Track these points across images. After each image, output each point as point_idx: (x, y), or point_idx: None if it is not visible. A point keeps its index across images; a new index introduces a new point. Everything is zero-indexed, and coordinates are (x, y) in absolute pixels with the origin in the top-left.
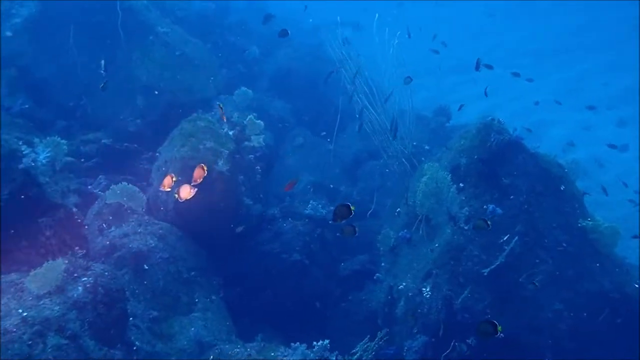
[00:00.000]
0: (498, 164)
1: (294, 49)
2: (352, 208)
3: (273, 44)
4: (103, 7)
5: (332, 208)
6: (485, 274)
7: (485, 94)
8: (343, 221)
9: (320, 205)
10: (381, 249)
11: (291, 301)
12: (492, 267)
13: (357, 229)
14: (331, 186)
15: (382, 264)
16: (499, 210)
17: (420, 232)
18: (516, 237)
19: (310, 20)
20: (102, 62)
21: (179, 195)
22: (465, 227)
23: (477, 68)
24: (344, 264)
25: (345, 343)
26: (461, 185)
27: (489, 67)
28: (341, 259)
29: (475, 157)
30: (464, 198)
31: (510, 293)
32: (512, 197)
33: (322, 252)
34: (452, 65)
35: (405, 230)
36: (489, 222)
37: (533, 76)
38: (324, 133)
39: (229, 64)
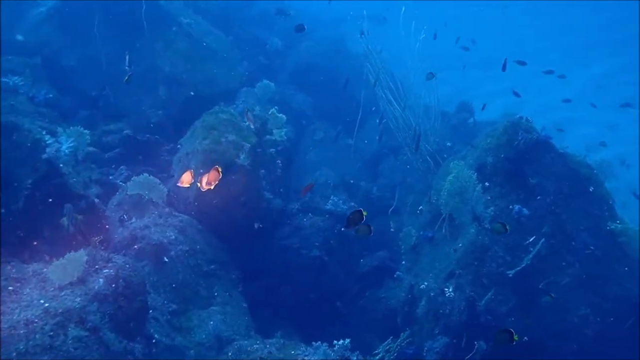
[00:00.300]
0: (525, 164)
1: (316, 42)
2: (364, 213)
3: (295, 37)
4: None
5: (352, 204)
6: (510, 275)
7: (515, 94)
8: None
9: (341, 201)
10: (402, 247)
11: (309, 297)
12: (518, 269)
13: (372, 228)
14: (351, 181)
15: (403, 262)
16: (525, 211)
17: (443, 231)
18: (542, 239)
19: (332, 13)
20: (127, 56)
21: (200, 184)
22: (490, 227)
23: (504, 69)
24: (363, 260)
25: (364, 340)
26: (487, 184)
27: (522, 63)
28: (360, 255)
29: (502, 155)
30: (489, 197)
31: (536, 296)
32: (539, 197)
33: (342, 248)
34: (475, 60)
35: (427, 229)
36: (507, 227)
37: (559, 72)
38: (340, 127)
39: (251, 56)
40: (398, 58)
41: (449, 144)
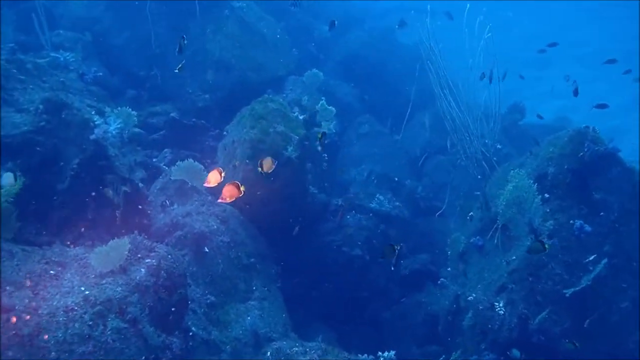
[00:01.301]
0: (590, 177)
1: (366, 32)
2: (396, 248)
3: (344, 26)
4: None
5: (397, 203)
6: (568, 295)
7: (575, 93)
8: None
9: (386, 200)
10: (449, 252)
11: (348, 296)
12: (576, 289)
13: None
14: (396, 179)
15: (449, 269)
16: (587, 228)
17: (496, 241)
18: (605, 260)
19: (383, 3)
20: (180, 43)
21: (223, 197)
22: (549, 242)
23: (576, 94)
24: (405, 262)
25: (401, 346)
26: (546, 196)
27: (612, 61)
28: (402, 257)
29: (565, 167)
30: (548, 210)
31: (592, 317)
32: (602, 213)
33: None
34: (528, 58)
35: (477, 237)
36: (546, 246)
37: (614, 76)
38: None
39: (300, 44)
40: (458, 55)
41: (499, 146)
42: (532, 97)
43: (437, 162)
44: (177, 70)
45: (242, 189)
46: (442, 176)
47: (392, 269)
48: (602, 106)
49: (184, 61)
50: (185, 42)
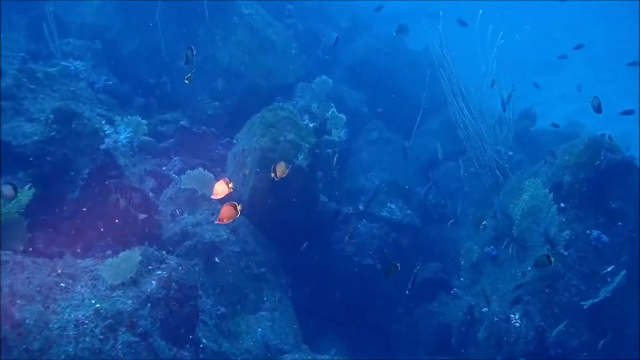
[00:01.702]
0: (606, 185)
1: (374, 37)
2: (397, 266)
3: (353, 30)
4: None
5: (408, 212)
6: (586, 307)
7: (598, 110)
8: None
9: (397, 209)
10: (462, 262)
11: (359, 306)
12: (595, 301)
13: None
14: (406, 187)
15: (462, 279)
16: (604, 238)
17: (510, 251)
18: (624, 271)
19: (390, 8)
20: (188, 52)
21: (220, 218)
22: (565, 253)
23: (599, 111)
24: (416, 270)
25: (413, 356)
26: (562, 205)
27: (634, 64)
28: (414, 264)
29: (581, 175)
30: (564, 220)
31: (611, 331)
32: (619, 223)
33: (395, 257)
34: (537, 62)
35: (491, 247)
36: (552, 259)
37: (623, 78)
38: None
39: (308, 50)
40: (468, 59)
41: (510, 152)
42: (542, 102)
43: (447, 168)
44: (186, 81)
45: (239, 208)
46: (453, 183)
47: (408, 292)
48: (628, 112)
49: (193, 70)
50: (194, 53)
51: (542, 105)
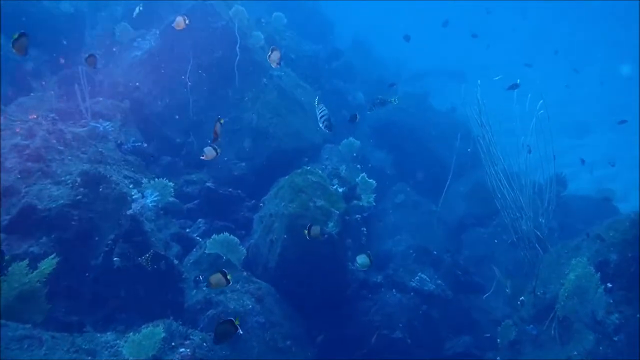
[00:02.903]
0: None
1: (399, 98)
2: None
3: (378, 91)
4: (221, 44)
5: (439, 282)
6: None
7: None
8: None
9: (428, 279)
10: (499, 340)
11: None
12: None
13: None
14: (434, 252)
15: (498, 359)
16: None
17: (552, 332)
18: None
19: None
20: (217, 124)
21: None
22: (615, 338)
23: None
24: (447, 344)
25: None
26: (609, 285)
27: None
28: (444, 338)
29: (630, 255)
30: (611, 301)
31: None
32: None
33: (425, 330)
34: (564, 124)
35: (531, 326)
36: None
37: None
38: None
39: (334, 110)
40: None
41: (542, 219)
42: (568, 164)
43: (477, 234)
44: (215, 153)
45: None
46: (482, 249)
47: None
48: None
49: (220, 140)
50: (222, 121)
51: (568, 167)
